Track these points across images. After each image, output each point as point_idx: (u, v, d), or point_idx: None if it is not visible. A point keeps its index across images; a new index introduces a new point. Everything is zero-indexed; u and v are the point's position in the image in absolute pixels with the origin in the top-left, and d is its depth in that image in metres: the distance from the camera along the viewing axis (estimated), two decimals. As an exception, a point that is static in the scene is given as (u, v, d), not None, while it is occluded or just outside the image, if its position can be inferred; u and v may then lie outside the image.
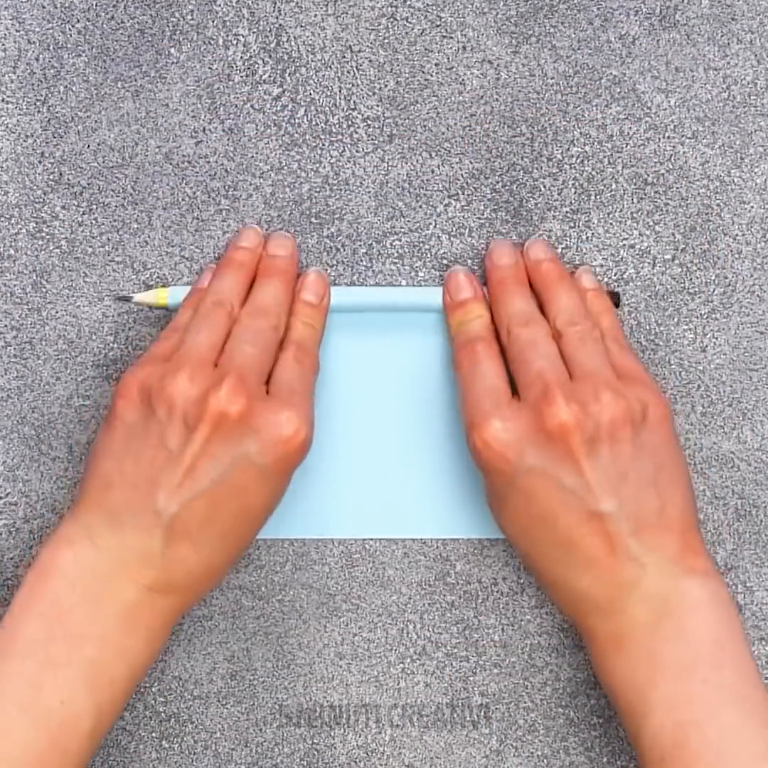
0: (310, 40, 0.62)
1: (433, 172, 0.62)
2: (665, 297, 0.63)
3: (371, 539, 0.63)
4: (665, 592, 0.54)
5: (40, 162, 0.62)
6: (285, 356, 0.58)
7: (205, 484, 0.54)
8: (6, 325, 0.62)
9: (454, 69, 0.62)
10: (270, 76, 0.62)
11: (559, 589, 0.56)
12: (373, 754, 0.63)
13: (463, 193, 0.63)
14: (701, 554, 0.55)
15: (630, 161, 0.62)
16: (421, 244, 0.63)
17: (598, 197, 0.63)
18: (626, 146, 0.62)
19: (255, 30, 0.62)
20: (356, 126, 0.62)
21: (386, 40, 0.62)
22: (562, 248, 0.62)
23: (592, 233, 0.63)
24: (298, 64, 0.62)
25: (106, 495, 0.55)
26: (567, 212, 0.63)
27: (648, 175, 0.63)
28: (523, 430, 0.54)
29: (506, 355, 0.58)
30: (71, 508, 0.56)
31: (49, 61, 0.62)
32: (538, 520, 0.55)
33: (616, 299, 0.61)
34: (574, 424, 0.54)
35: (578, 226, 0.63)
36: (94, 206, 0.62)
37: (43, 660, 0.52)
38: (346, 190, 0.62)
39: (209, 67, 0.62)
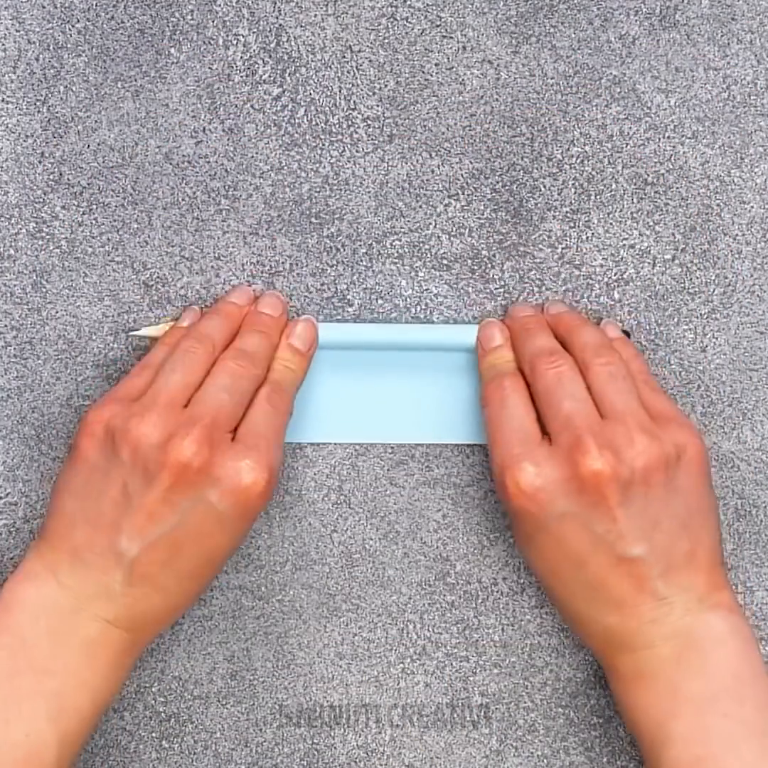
0: (310, 40, 0.62)
1: (433, 172, 0.62)
2: (665, 297, 0.63)
3: (371, 539, 0.63)
4: (689, 627, 0.54)
5: (40, 162, 0.62)
6: (259, 396, 0.57)
7: (165, 529, 0.54)
8: (6, 325, 0.62)
9: (454, 69, 0.62)
10: (270, 76, 0.62)
11: (585, 625, 0.56)
12: (373, 754, 0.63)
13: (463, 193, 0.63)
14: (725, 589, 0.55)
15: (630, 161, 0.62)
16: (421, 244, 0.62)
17: (598, 197, 0.63)
18: (626, 146, 0.62)
19: (255, 30, 0.62)
20: (356, 126, 0.62)
21: (386, 40, 0.62)
22: (562, 248, 0.62)
23: (592, 233, 0.63)
24: (298, 64, 0.62)
25: (68, 534, 0.55)
26: (567, 212, 0.63)
27: (648, 175, 0.63)
28: (556, 477, 0.54)
29: (532, 392, 0.58)
30: (35, 543, 0.57)
31: (49, 61, 0.62)
32: (567, 561, 0.55)
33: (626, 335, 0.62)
34: (609, 474, 0.54)
35: (578, 226, 0.63)
36: (94, 206, 0.62)
37: (7, 693, 0.53)
38: (346, 190, 0.62)
39: (209, 67, 0.62)
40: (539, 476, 0.54)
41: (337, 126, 0.62)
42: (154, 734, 0.63)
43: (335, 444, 0.63)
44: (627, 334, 0.62)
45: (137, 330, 0.62)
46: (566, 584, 0.55)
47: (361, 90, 0.62)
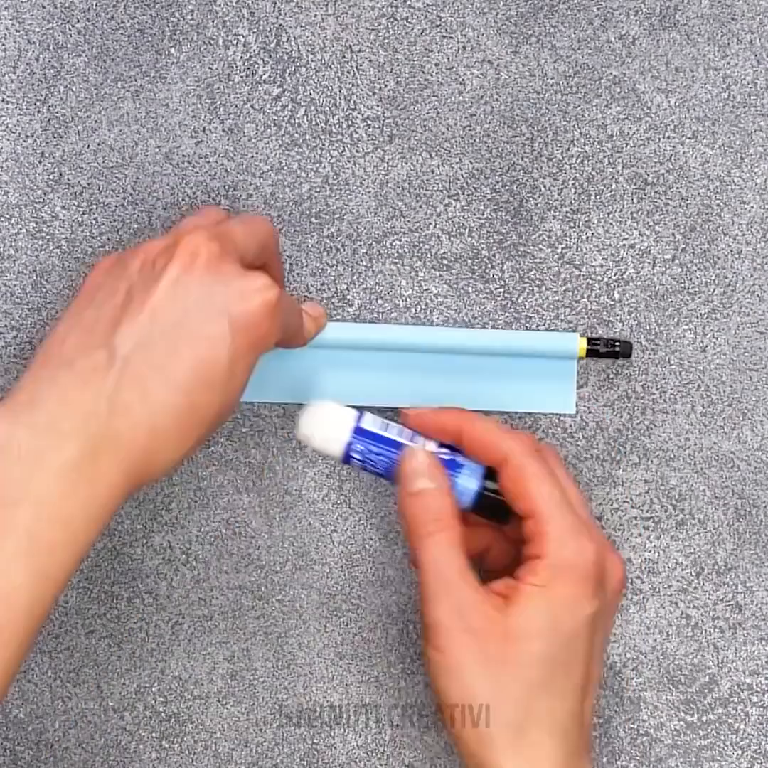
0: (310, 40, 0.62)
1: (433, 172, 0.62)
2: (665, 297, 0.63)
3: (371, 539, 0.63)
4: None
5: (40, 162, 0.62)
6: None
7: (165, 326, 0.50)
8: (6, 325, 0.62)
9: (454, 69, 0.62)
10: (270, 76, 0.62)
11: None
12: (373, 754, 0.63)
13: (463, 193, 0.63)
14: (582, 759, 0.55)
15: (630, 161, 0.62)
16: (421, 244, 0.63)
17: (598, 197, 0.63)
18: (626, 146, 0.62)
19: (255, 30, 0.62)
20: (356, 126, 0.62)
21: (386, 40, 0.62)
22: (562, 248, 0.62)
23: (592, 233, 0.63)
24: (298, 64, 0.62)
25: (59, 346, 0.51)
26: (567, 212, 0.63)
27: (648, 175, 0.63)
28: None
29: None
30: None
31: (49, 61, 0.62)
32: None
33: (627, 349, 0.61)
34: None
35: (578, 226, 0.63)
36: (94, 206, 0.62)
37: None
38: (346, 190, 0.62)
39: (209, 67, 0.62)
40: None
41: (337, 126, 0.62)
42: (154, 734, 0.63)
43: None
44: (628, 345, 0.61)
45: None
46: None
47: (361, 90, 0.62)
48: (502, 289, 0.63)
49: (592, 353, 0.61)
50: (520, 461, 0.55)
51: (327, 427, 0.57)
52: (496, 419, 0.61)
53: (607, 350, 0.61)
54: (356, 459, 0.57)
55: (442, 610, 0.54)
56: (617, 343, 0.61)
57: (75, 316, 0.52)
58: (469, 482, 0.57)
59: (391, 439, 0.57)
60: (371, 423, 0.57)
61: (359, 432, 0.57)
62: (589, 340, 0.61)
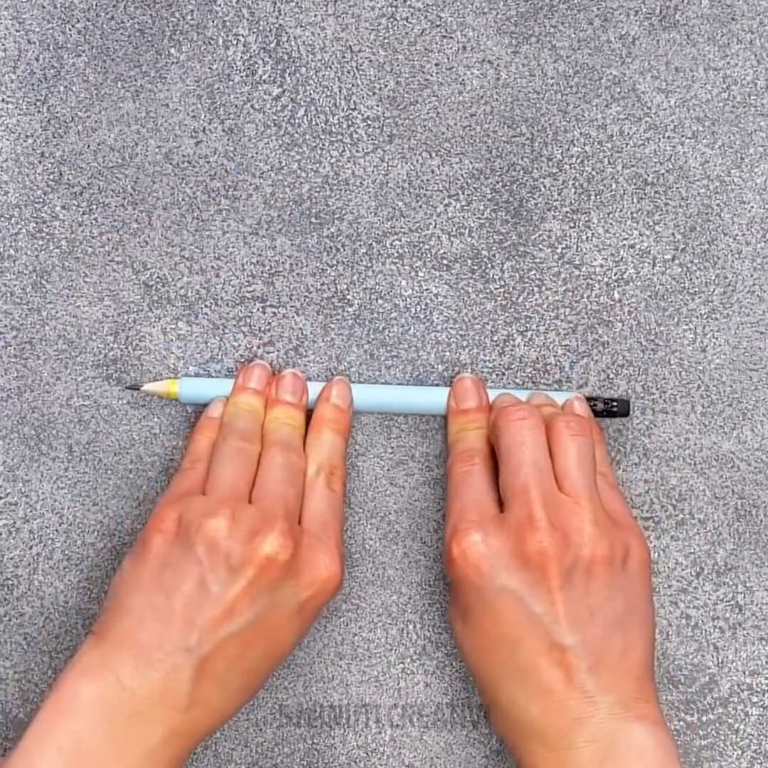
0: (310, 40, 0.62)
1: (433, 172, 0.62)
2: (665, 297, 0.63)
3: (371, 539, 0.63)
4: (612, 733, 0.53)
5: (40, 162, 0.62)
6: (316, 483, 0.59)
7: (240, 625, 0.54)
8: (6, 325, 0.62)
9: (454, 69, 0.62)
10: (270, 76, 0.62)
11: (508, 715, 0.55)
12: (373, 754, 0.63)
13: (463, 193, 0.63)
14: (652, 702, 0.55)
15: (630, 161, 0.62)
16: (421, 244, 0.63)
17: (598, 197, 0.63)
18: (626, 146, 0.62)
19: (255, 30, 0.62)
20: (356, 126, 0.62)
21: (386, 40, 0.62)
22: (562, 248, 0.62)
23: (592, 233, 0.63)
24: (298, 64, 0.62)
25: (134, 631, 0.53)
26: (567, 212, 0.63)
27: (648, 175, 0.63)
28: (502, 548, 0.54)
29: (495, 446, 0.58)
30: (92, 636, 0.55)
31: (49, 61, 0.62)
32: (500, 641, 0.54)
33: (625, 408, 0.61)
34: (554, 554, 0.53)
35: (578, 226, 0.63)
36: (94, 206, 0.62)
37: None
38: (346, 190, 0.62)
39: (209, 67, 0.62)
40: (485, 545, 0.54)
41: (337, 126, 0.62)
42: (154, 734, 0.63)
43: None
44: (626, 404, 0.61)
45: (138, 387, 0.62)
46: (496, 665, 0.55)
47: (361, 90, 0.62)
48: (502, 289, 0.63)
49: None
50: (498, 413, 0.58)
51: None
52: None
53: (604, 409, 0.61)
54: None
55: None
56: (615, 403, 0.61)
57: (145, 592, 0.54)
58: None
59: None
60: None
61: None
62: (587, 400, 0.61)
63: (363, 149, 0.62)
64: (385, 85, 0.62)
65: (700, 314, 0.63)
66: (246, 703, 0.57)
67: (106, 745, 0.52)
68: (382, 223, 0.63)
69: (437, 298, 0.63)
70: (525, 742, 0.55)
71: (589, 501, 0.55)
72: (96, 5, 0.62)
